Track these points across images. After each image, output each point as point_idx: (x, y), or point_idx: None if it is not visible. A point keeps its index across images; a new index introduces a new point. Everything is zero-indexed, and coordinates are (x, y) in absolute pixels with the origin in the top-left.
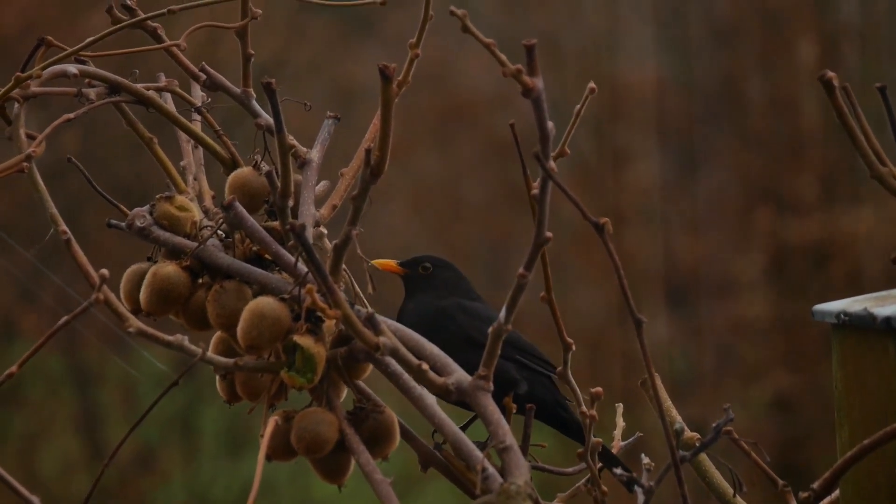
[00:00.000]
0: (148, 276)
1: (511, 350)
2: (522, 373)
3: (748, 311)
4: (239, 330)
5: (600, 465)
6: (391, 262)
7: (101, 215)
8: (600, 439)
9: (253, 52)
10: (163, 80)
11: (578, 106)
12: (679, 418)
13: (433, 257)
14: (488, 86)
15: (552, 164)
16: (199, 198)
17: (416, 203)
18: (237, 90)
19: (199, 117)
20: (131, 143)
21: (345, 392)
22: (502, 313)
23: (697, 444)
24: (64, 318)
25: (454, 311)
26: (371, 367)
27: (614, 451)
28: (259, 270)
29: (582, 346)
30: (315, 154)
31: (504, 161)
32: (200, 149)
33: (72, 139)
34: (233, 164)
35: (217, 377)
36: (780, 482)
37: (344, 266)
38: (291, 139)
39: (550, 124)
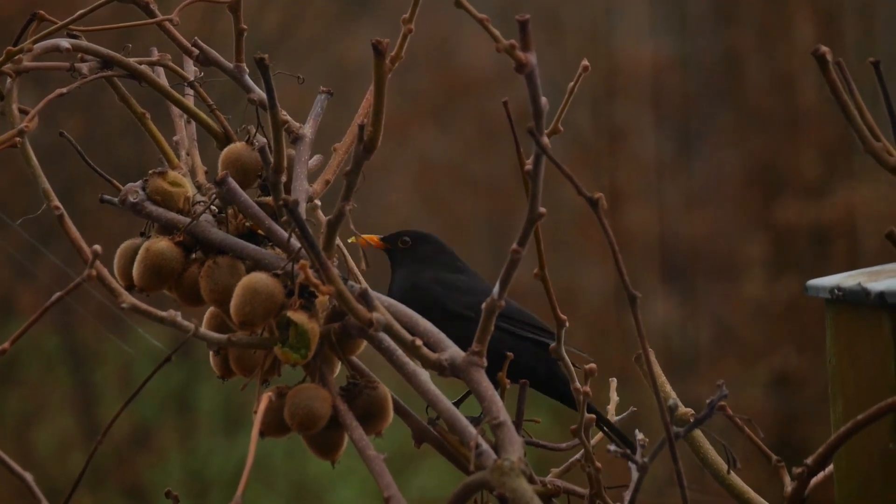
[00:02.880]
0: (141, 251)
1: (506, 322)
2: (517, 344)
3: (747, 290)
4: (232, 306)
5: (594, 440)
6: (374, 237)
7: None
8: (593, 415)
9: (245, 26)
10: (155, 55)
11: (572, 83)
12: (673, 394)
13: (413, 231)
14: (490, 63)
15: (545, 139)
16: (192, 173)
17: (417, 180)
18: (230, 65)
19: (192, 93)
20: (132, 128)
21: (338, 368)
22: (496, 289)
23: (692, 420)
24: (56, 294)
25: (429, 284)
26: (364, 342)
27: None
28: (252, 246)
29: (584, 326)
30: (308, 129)
31: (505, 139)
32: (193, 124)
33: (73, 123)
34: (226, 140)
35: (210, 353)
36: (774, 457)
37: (338, 241)
38: (284, 114)
39: (544, 100)
